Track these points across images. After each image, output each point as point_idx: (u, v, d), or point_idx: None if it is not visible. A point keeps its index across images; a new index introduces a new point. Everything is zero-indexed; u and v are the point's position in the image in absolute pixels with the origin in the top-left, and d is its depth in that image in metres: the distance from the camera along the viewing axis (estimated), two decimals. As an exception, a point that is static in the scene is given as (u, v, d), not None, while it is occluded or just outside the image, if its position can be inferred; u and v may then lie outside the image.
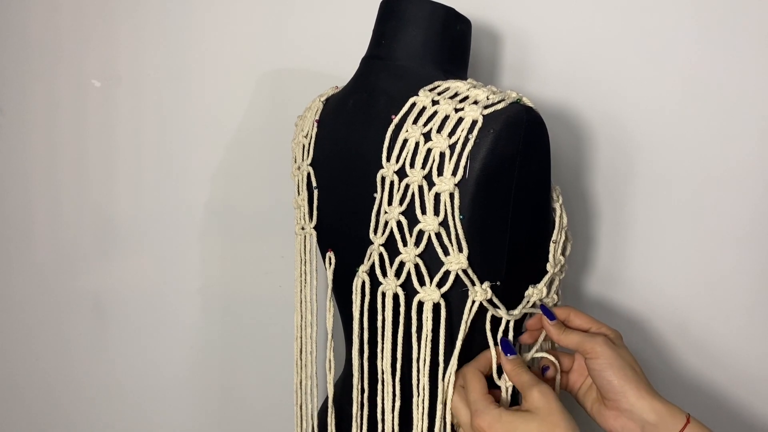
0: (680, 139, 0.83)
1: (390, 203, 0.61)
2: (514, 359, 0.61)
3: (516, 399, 0.64)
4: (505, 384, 0.62)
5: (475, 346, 0.63)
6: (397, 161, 0.60)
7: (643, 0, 0.81)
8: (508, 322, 0.63)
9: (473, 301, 0.60)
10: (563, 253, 0.68)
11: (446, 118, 0.58)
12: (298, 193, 0.75)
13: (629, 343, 0.66)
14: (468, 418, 0.58)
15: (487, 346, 0.62)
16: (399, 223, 0.60)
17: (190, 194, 1.05)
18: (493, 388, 0.61)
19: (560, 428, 0.54)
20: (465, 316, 0.60)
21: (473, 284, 0.59)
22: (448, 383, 0.61)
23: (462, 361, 0.62)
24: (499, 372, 0.62)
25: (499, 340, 0.62)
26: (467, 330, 0.61)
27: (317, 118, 0.73)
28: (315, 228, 0.74)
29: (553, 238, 0.65)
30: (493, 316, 0.62)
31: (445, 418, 0.62)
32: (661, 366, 0.88)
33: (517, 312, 0.63)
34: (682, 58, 0.82)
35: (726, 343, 0.86)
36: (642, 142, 0.84)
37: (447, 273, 0.59)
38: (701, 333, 0.87)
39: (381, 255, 0.63)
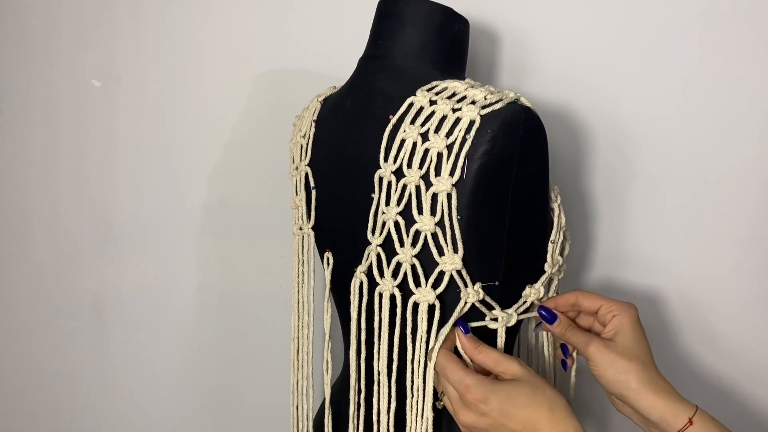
0: (679, 138, 0.83)
1: (387, 203, 0.61)
2: (471, 336, 0.59)
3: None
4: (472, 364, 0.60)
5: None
6: (395, 161, 0.60)
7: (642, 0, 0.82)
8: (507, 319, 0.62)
9: (465, 303, 0.59)
10: (561, 253, 0.68)
11: (444, 118, 0.58)
12: (296, 194, 0.75)
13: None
14: (456, 396, 0.57)
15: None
16: (396, 224, 0.60)
17: (190, 194, 1.05)
18: None
19: (548, 389, 0.55)
20: (454, 316, 0.59)
21: (466, 286, 0.59)
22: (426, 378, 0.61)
23: None
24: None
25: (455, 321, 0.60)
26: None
27: (315, 118, 0.73)
28: (313, 228, 0.74)
29: (552, 238, 0.65)
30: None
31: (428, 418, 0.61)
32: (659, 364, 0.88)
33: (511, 312, 0.62)
34: (681, 58, 0.82)
35: (726, 339, 0.86)
36: (640, 141, 0.84)
37: (441, 274, 0.59)
38: (701, 332, 0.87)
39: (379, 255, 0.63)
